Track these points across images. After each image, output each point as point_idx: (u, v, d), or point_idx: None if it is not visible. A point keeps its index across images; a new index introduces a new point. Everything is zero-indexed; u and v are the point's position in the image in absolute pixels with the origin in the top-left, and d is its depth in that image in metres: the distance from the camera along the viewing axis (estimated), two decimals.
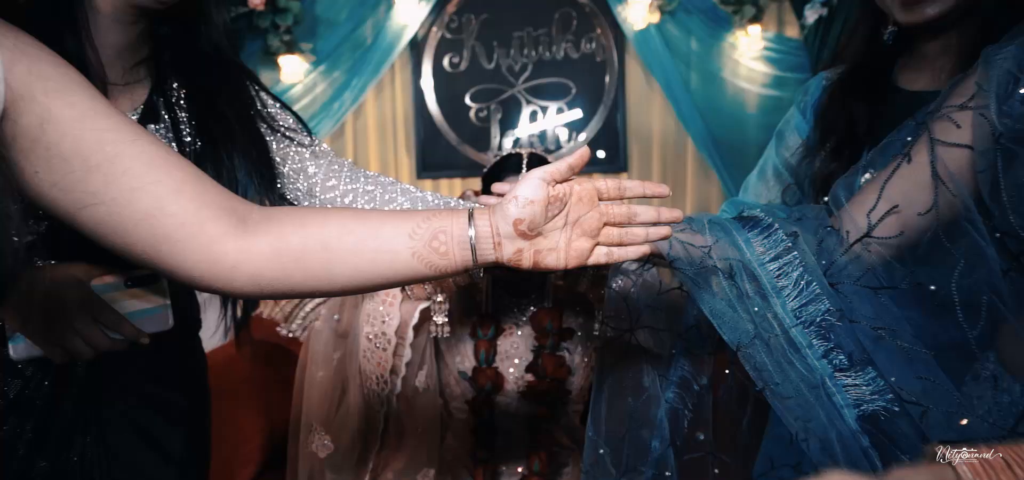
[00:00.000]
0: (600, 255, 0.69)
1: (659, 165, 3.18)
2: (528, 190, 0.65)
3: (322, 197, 1.07)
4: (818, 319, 0.73)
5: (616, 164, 3.17)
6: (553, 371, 1.46)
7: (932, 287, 0.69)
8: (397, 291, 1.25)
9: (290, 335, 2.30)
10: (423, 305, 1.27)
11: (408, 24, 3.11)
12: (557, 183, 0.67)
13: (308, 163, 1.06)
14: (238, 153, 0.94)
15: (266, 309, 2.31)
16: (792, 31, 2.96)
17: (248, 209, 0.67)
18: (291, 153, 1.05)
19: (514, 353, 1.50)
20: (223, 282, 0.64)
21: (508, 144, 3.21)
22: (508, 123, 3.24)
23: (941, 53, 0.91)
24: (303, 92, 3.23)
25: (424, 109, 3.28)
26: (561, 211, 0.67)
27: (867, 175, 0.81)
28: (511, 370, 1.50)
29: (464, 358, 1.50)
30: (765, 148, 3.21)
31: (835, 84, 1.05)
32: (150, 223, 0.61)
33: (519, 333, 1.52)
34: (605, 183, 0.69)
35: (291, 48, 3.08)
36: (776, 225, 0.77)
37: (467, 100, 3.25)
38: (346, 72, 3.20)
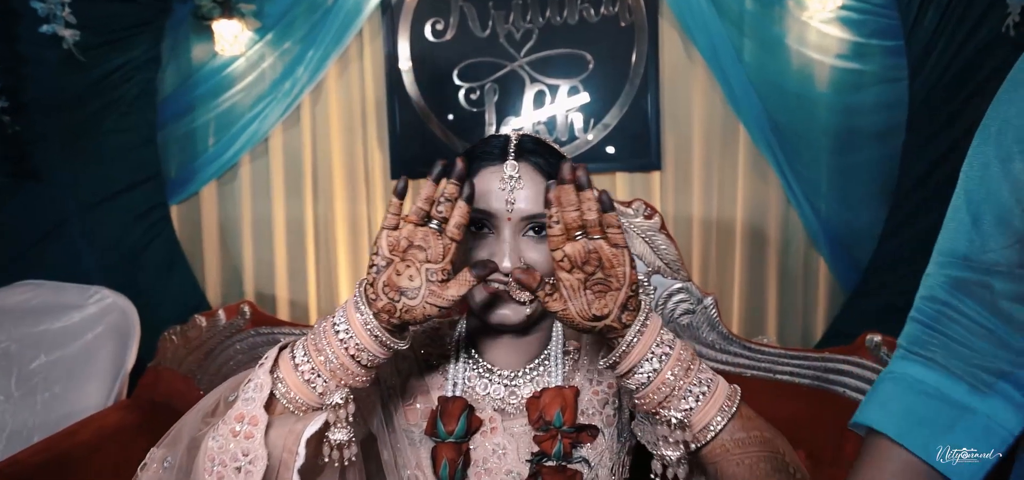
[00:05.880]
0: None
1: (701, 161, 2.67)
2: None
3: None
4: None
5: (646, 160, 2.66)
6: None
7: None
8: (259, 411, 0.76)
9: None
10: (314, 424, 0.76)
11: None
12: None
13: None
14: None
15: (168, 353, 1.83)
16: None
17: None
18: None
19: (499, 466, 1.00)
20: None
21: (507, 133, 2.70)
22: (507, 107, 2.74)
23: None
24: (246, 68, 2.77)
25: (400, 89, 2.79)
26: None
27: None
28: None
29: (417, 475, 0.99)
30: (840, 137, 2.68)
31: None
32: None
33: (507, 429, 1.01)
34: None
35: (228, 10, 2.61)
36: None
37: (455, 78, 2.76)
38: (300, 42, 2.74)
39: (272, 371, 0.82)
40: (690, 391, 0.81)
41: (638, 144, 2.68)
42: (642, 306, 0.83)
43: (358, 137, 2.87)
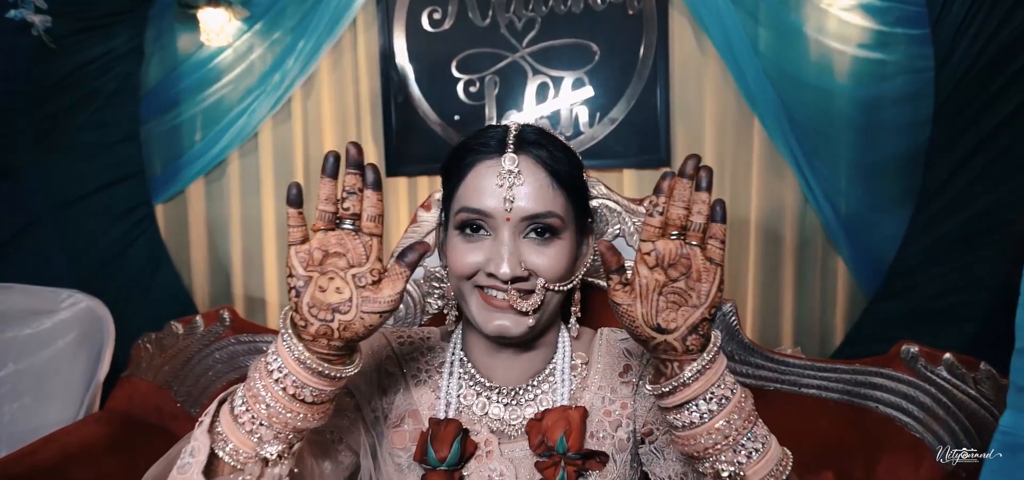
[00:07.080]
0: None
1: (714, 158, 2.56)
2: None
3: None
4: None
5: (655, 157, 2.56)
6: None
7: None
8: (197, 478, 0.68)
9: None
10: None
11: None
12: None
13: None
14: None
15: (142, 363, 1.72)
16: None
17: None
18: None
19: None
20: None
21: None
22: (508, 100, 2.64)
23: None
24: (234, 60, 2.67)
25: (396, 82, 2.70)
26: None
27: None
28: None
29: None
30: (861, 131, 2.56)
31: None
32: None
33: (505, 453, 0.91)
34: None
35: None
36: None
37: (454, 70, 2.66)
38: (291, 32, 2.63)
39: (212, 428, 0.72)
40: (743, 445, 0.71)
41: (647, 139, 2.57)
42: (712, 339, 0.74)
43: (352, 132, 2.77)
